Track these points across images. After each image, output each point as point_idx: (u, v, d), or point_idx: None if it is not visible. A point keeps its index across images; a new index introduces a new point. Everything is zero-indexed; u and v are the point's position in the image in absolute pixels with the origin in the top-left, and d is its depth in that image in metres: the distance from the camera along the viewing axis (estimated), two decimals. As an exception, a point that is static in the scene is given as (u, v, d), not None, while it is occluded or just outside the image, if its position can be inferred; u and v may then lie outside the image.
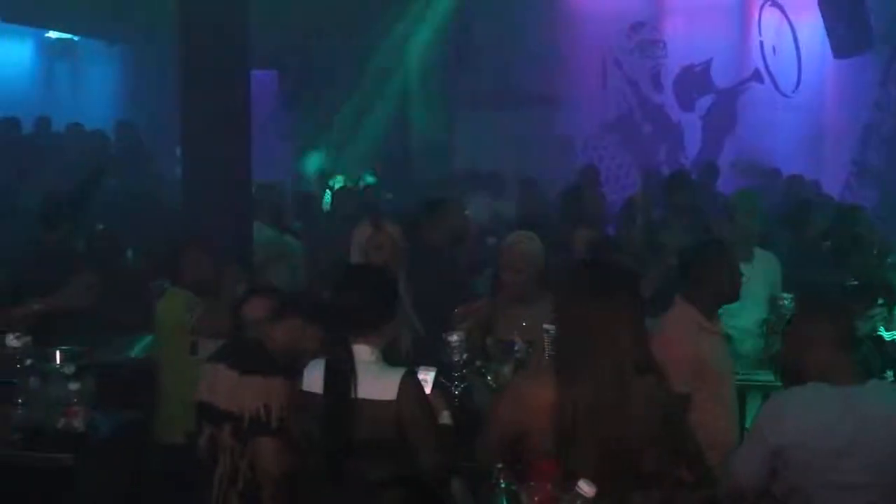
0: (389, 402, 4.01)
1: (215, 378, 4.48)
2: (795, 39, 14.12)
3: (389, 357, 4.21)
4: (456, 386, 5.10)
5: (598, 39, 13.50)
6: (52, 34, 15.76)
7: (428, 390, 4.52)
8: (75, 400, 5.11)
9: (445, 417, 4.42)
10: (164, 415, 5.86)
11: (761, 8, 14.26)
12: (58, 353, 5.59)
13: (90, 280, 5.83)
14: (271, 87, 12.76)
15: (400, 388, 4.02)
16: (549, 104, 12.94)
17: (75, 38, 15.73)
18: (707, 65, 14.19)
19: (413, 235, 7.30)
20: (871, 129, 12.95)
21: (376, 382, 4.04)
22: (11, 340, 5.23)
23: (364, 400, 4.02)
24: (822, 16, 13.13)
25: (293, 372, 4.30)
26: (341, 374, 4.05)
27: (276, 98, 13.11)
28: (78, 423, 5.04)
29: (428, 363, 4.87)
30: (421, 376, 4.46)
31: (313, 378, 4.15)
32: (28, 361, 5.27)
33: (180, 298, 5.99)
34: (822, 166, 13.11)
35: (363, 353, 4.10)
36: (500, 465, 3.62)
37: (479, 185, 9.69)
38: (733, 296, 5.03)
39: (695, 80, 14.20)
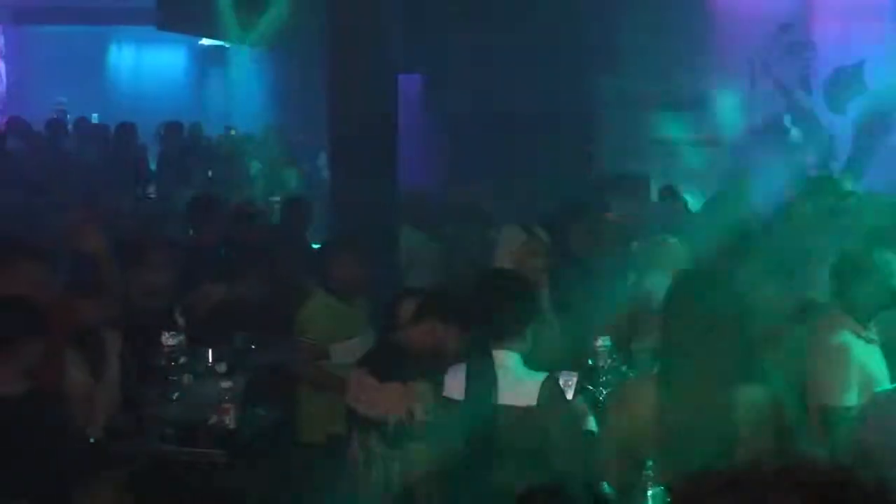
0: (530, 407, 3.99)
1: (359, 384, 4.53)
2: (955, 39, 13.61)
3: (531, 362, 4.18)
4: (600, 391, 5.07)
5: (745, 40, 13.21)
6: (205, 41, 16.25)
7: (570, 395, 4.51)
8: (227, 398, 5.24)
9: (590, 423, 4.39)
10: (305, 415, 5.91)
11: (917, 6, 13.79)
12: (210, 351, 5.78)
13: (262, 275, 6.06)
14: (417, 90, 12.84)
15: (541, 394, 4.00)
16: (695, 107, 12.72)
17: (226, 45, 16.18)
18: (859, 66, 13.78)
19: (556, 240, 7.29)
20: None
21: (517, 388, 4.03)
22: (167, 339, 5.39)
23: (505, 406, 4.02)
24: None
25: (435, 375, 4.33)
26: (482, 380, 4.05)
27: (422, 102, 13.20)
28: (229, 421, 5.17)
29: (572, 368, 4.86)
30: (563, 381, 4.45)
31: (454, 383, 4.16)
32: (182, 359, 5.44)
33: (324, 302, 6.02)
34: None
35: (504, 358, 4.09)
36: (648, 469, 3.59)
37: (624, 188, 9.56)
38: (887, 303, 4.86)
39: (846, 81, 13.79)
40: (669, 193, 9.98)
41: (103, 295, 5.15)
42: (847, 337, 4.69)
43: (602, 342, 5.14)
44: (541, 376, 4.06)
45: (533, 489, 3.48)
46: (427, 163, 11.15)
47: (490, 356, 4.07)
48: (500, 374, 4.05)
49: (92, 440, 4.70)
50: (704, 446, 3.43)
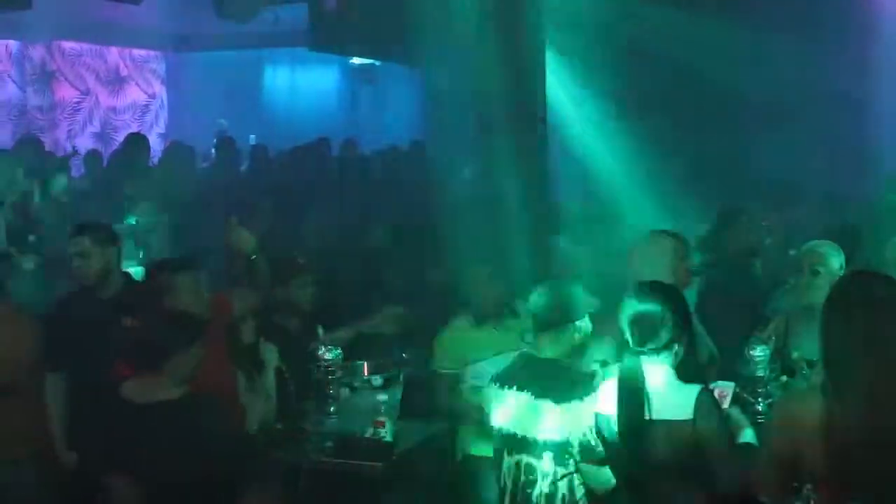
0: (685, 421, 3.91)
1: (511, 404, 4.46)
2: None
3: (683, 374, 4.10)
4: (760, 402, 4.96)
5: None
6: (356, 60, 16.55)
7: (725, 406, 4.41)
8: (383, 410, 5.32)
9: (748, 436, 4.28)
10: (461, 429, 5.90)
11: None
12: (366, 365, 5.87)
13: (398, 311, 6.15)
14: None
15: (696, 407, 3.92)
16: (856, 109, 12.30)
17: (377, 63, 16.45)
18: None
19: (708, 247, 7.17)
20: None
21: (671, 401, 3.95)
22: (324, 353, 5.50)
23: (660, 421, 3.95)
24: None
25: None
26: (634, 394, 4.01)
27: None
28: (385, 433, 5.23)
29: (728, 379, 4.76)
30: (718, 392, 4.35)
31: (607, 399, 4.12)
32: (338, 373, 5.53)
33: (460, 327, 6.02)
34: None
35: (657, 371, 4.04)
36: (808, 486, 3.50)
37: (778, 194, 9.35)
38: None
39: None
40: (829, 198, 9.72)
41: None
42: None
43: (760, 351, 5.02)
44: (695, 388, 3.98)
45: None
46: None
47: (640, 370, 4.03)
48: (652, 387, 4.00)
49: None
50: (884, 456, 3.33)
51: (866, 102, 12.15)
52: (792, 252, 7.96)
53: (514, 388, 4.44)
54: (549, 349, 4.46)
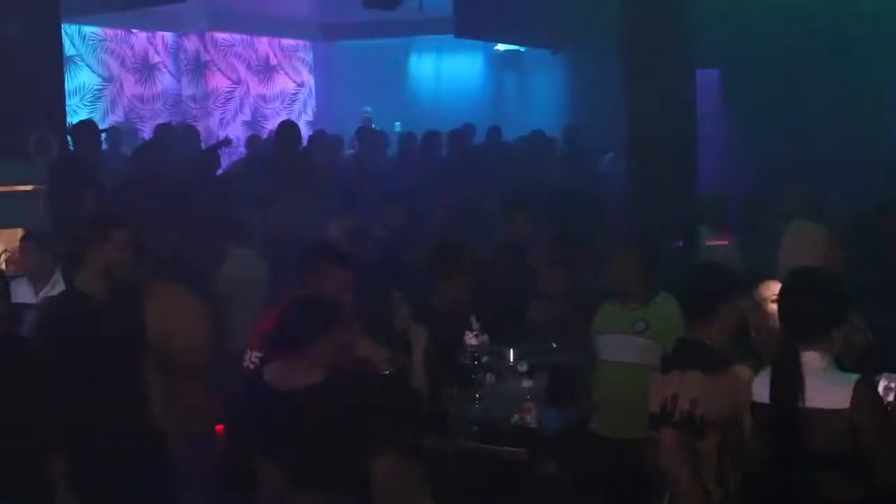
0: (842, 411, 3.81)
1: (678, 385, 4.41)
2: None
3: (840, 363, 4.00)
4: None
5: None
6: (500, 47, 16.55)
7: (890, 398, 4.27)
8: (528, 397, 5.31)
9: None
10: (604, 414, 5.88)
11: None
12: (511, 351, 5.87)
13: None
14: (715, 86, 12.55)
15: (853, 397, 3.82)
16: None
17: (521, 50, 16.41)
18: None
19: (866, 233, 6.95)
20: None
21: (827, 391, 3.86)
22: (470, 338, 5.52)
23: (814, 409, 3.85)
24: None
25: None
26: (789, 383, 3.92)
27: (719, 98, 12.91)
28: (531, 419, 5.23)
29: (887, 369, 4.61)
30: (884, 384, 4.22)
31: (761, 387, 4.04)
32: (485, 359, 5.55)
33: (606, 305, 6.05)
34: None
35: (813, 359, 3.93)
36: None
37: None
38: None
39: None
40: None
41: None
42: None
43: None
44: (852, 378, 3.88)
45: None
46: (725, 161, 10.90)
47: (797, 357, 3.93)
48: (809, 376, 3.90)
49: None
50: None
51: None
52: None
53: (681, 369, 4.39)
54: (702, 332, 4.42)
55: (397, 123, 15.40)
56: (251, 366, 5.17)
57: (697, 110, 7.62)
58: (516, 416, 5.28)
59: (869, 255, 6.49)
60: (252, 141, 13.08)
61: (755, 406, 4.05)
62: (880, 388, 4.15)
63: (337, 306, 4.76)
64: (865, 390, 3.86)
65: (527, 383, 5.41)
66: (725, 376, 4.23)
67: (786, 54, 11.61)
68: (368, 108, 15.38)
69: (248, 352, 5.26)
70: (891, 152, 11.18)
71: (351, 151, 12.99)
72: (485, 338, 5.56)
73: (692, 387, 4.23)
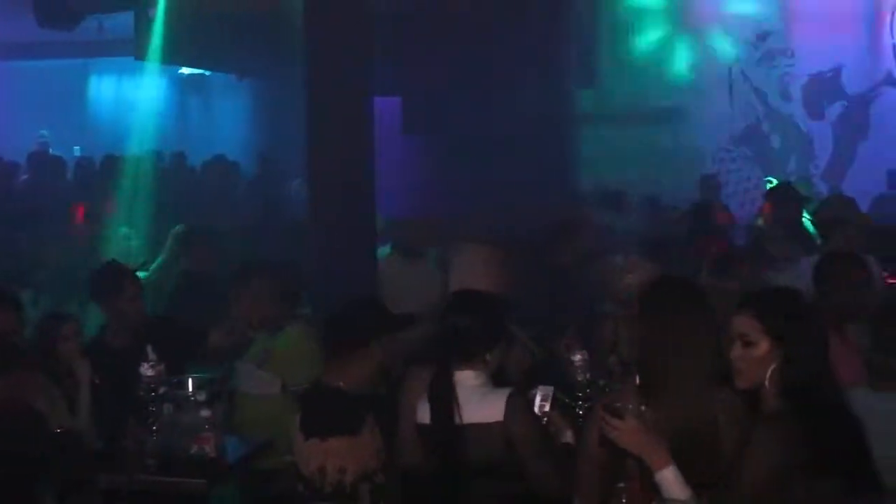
0: (496, 423, 4.00)
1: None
2: (930, 40, 13.76)
3: (505, 379, 4.20)
4: (580, 406, 5.06)
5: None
6: (185, 70, 16.27)
7: (546, 409, 4.50)
8: (207, 427, 5.23)
9: (568, 437, 4.39)
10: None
11: (893, 11, 13.90)
12: (190, 380, 5.77)
13: None
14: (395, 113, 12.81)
15: (506, 409, 4.02)
16: (675, 118, 12.77)
17: (207, 74, 16.20)
18: (837, 71, 13.88)
19: (541, 255, 7.30)
20: None
21: (482, 405, 4.04)
22: (146, 370, 5.38)
23: (471, 424, 4.02)
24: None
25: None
26: (444, 402, 4.06)
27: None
28: (210, 450, 5.15)
29: (551, 383, 4.85)
30: (540, 395, 4.44)
31: (423, 409, 4.17)
32: (162, 389, 5.42)
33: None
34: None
35: (469, 378, 4.10)
36: (621, 485, 3.59)
37: (606, 202, 9.63)
38: (856, 310, 4.86)
39: (824, 87, 13.90)
40: (650, 204, 10.06)
41: None
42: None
43: (579, 356, 5.13)
44: (505, 391, 4.08)
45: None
46: (406, 185, 11.15)
47: (449, 377, 4.08)
48: (465, 393, 4.07)
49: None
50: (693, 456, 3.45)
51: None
52: (618, 259, 8.20)
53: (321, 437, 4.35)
54: (339, 374, 4.38)
55: (76, 148, 14.85)
56: None
57: (377, 136, 7.75)
58: (195, 447, 5.19)
59: (535, 274, 6.83)
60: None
61: (420, 427, 4.17)
62: (537, 400, 4.38)
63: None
64: (517, 401, 4.07)
65: (205, 413, 5.31)
66: (366, 428, 4.24)
67: (467, 81, 12.01)
68: (45, 132, 14.76)
69: None
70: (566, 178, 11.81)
71: (25, 177, 12.43)
72: (161, 367, 5.44)
73: (337, 455, 4.20)
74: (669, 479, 3.36)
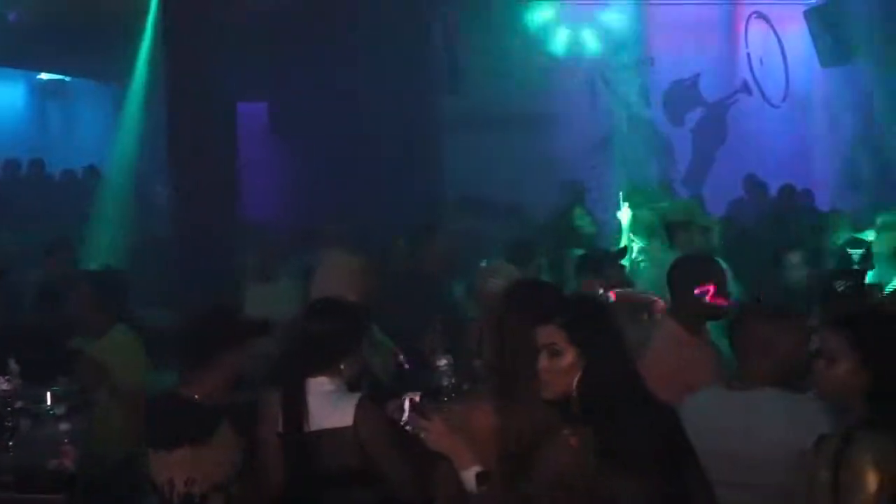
0: (346, 428, 4.01)
1: None
2: (782, 50, 14.22)
3: (371, 386, 4.21)
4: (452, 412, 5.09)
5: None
6: (44, 75, 15.87)
7: (414, 415, 4.51)
8: (66, 440, 5.11)
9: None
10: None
11: (748, 20, 14.35)
12: (49, 393, 5.62)
13: None
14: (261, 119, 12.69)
15: (356, 414, 4.03)
16: (538, 125, 12.93)
17: (67, 79, 15.82)
18: (695, 79, 14.26)
19: (405, 262, 7.33)
20: (859, 136, 12.95)
21: (334, 412, 4.06)
22: (2, 384, 5.24)
23: (322, 430, 4.03)
24: (808, 26, 13.21)
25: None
26: (295, 409, 4.06)
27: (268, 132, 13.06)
28: (69, 464, 5.03)
29: (418, 389, 4.87)
30: (408, 401, 4.46)
31: (276, 416, 4.16)
32: (19, 403, 5.28)
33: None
34: (812, 175, 13.16)
35: (321, 384, 4.10)
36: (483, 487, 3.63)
37: (467, 209, 9.71)
38: (711, 311, 4.97)
39: (684, 94, 14.27)
40: (515, 211, 10.18)
41: None
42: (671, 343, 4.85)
43: (444, 361, 5.16)
44: (356, 396, 4.11)
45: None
46: (272, 191, 11.08)
47: (300, 384, 4.08)
48: (317, 400, 4.07)
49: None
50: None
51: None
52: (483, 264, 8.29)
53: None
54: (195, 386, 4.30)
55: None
56: None
57: (240, 144, 7.68)
58: (54, 462, 5.06)
59: (400, 280, 6.86)
60: None
61: (278, 435, 4.15)
62: (405, 405, 4.39)
63: None
64: (367, 405, 4.08)
65: (64, 426, 5.19)
66: (217, 438, 4.16)
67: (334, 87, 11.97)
68: None
69: None
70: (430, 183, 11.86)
71: None
72: (19, 381, 5.29)
73: (184, 467, 4.13)
74: (471, 479, 3.44)
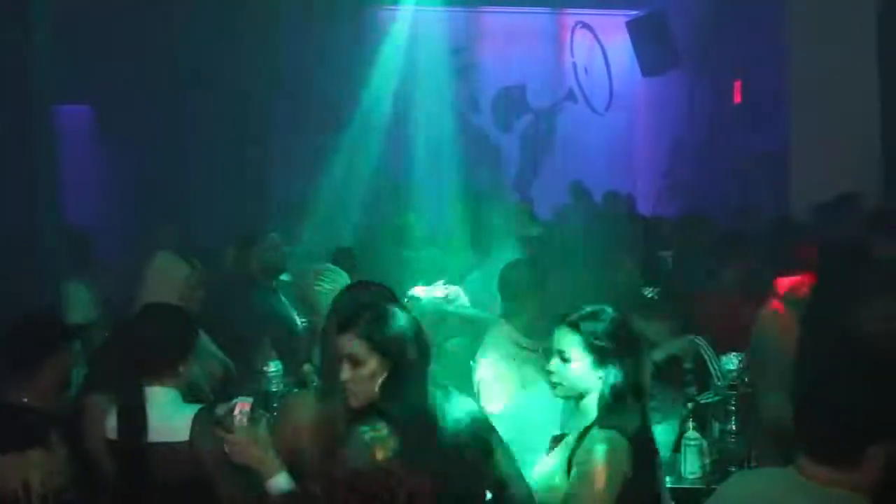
0: (183, 442, 3.90)
1: None
2: (606, 59, 14.58)
3: (197, 393, 4.10)
4: (274, 416, 5.03)
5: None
6: None
7: (244, 422, 4.43)
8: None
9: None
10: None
11: (573, 30, 14.65)
12: None
13: None
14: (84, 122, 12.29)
15: (192, 427, 3.92)
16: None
17: None
18: (522, 86, 14.48)
19: (229, 268, 7.21)
20: (679, 142, 13.36)
21: (171, 424, 3.94)
22: None
23: (159, 443, 3.91)
24: (630, 37, 13.57)
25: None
26: (132, 420, 3.93)
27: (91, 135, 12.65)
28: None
29: (247, 394, 4.80)
30: (238, 407, 4.38)
31: (112, 424, 4.02)
32: None
33: None
34: (635, 181, 13.53)
35: (158, 394, 3.99)
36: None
37: (292, 215, 9.59)
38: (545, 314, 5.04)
39: (511, 101, 14.48)
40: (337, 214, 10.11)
41: None
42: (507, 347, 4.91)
43: (273, 367, 5.12)
44: (194, 408, 3.98)
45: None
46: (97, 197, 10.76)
47: (140, 394, 3.95)
48: (155, 411, 3.95)
49: None
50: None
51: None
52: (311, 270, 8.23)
53: None
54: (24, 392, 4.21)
55: None
56: None
57: (60, 146, 7.38)
58: None
59: (230, 285, 6.75)
60: None
61: (109, 442, 4.01)
62: (236, 412, 4.30)
63: None
64: (204, 419, 3.96)
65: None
66: (47, 444, 3.95)
67: (161, 90, 11.69)
68: None
69: None
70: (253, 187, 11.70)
71: None
72: None
73: (13, 473, 3.82)
74: (276, 487, 3.43)
